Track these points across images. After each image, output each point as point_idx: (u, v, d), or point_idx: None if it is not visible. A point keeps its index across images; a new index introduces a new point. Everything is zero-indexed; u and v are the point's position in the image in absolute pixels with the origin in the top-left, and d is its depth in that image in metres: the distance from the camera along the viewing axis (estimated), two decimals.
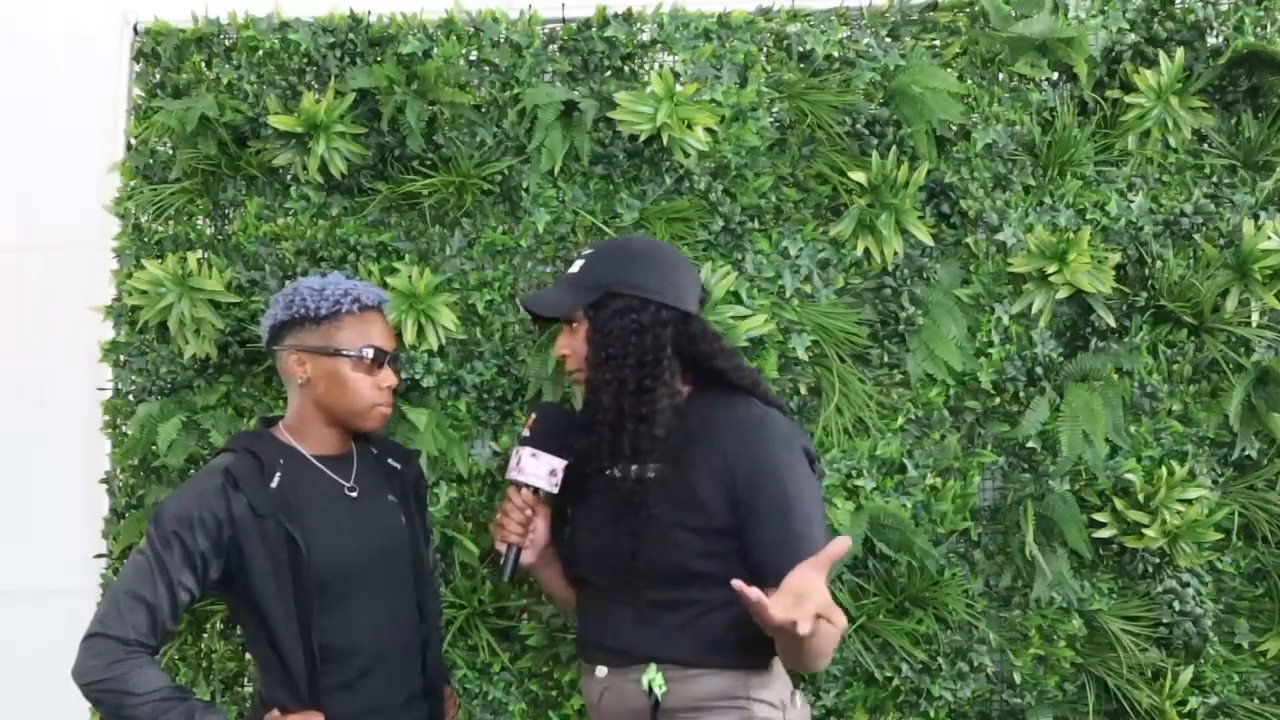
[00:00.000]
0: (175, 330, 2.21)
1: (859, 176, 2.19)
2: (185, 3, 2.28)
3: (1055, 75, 2.26)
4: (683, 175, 2.22)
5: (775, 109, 2.25)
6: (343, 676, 1.68)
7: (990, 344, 2.23)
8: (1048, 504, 2.19)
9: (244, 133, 2.25)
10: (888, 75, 2.22)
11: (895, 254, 2.20)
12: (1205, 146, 2.28)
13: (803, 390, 2.23)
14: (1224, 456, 2.25)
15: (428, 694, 1.80)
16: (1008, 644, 2.21)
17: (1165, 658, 2.22)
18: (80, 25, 2.64)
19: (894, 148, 2.20)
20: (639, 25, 2.24)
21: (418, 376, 2.19)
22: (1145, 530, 2.15)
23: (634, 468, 1.60)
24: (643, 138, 2.17)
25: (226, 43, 2.29)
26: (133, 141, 2.33)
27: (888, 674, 2.19)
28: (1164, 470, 2.18)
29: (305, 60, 2.24)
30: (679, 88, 2.16)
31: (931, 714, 2.20)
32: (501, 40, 2.24)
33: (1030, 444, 2.21)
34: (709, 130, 2.18)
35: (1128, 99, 2.22)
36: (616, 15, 2.23)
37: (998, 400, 2.24)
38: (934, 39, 2.27)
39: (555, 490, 1.71)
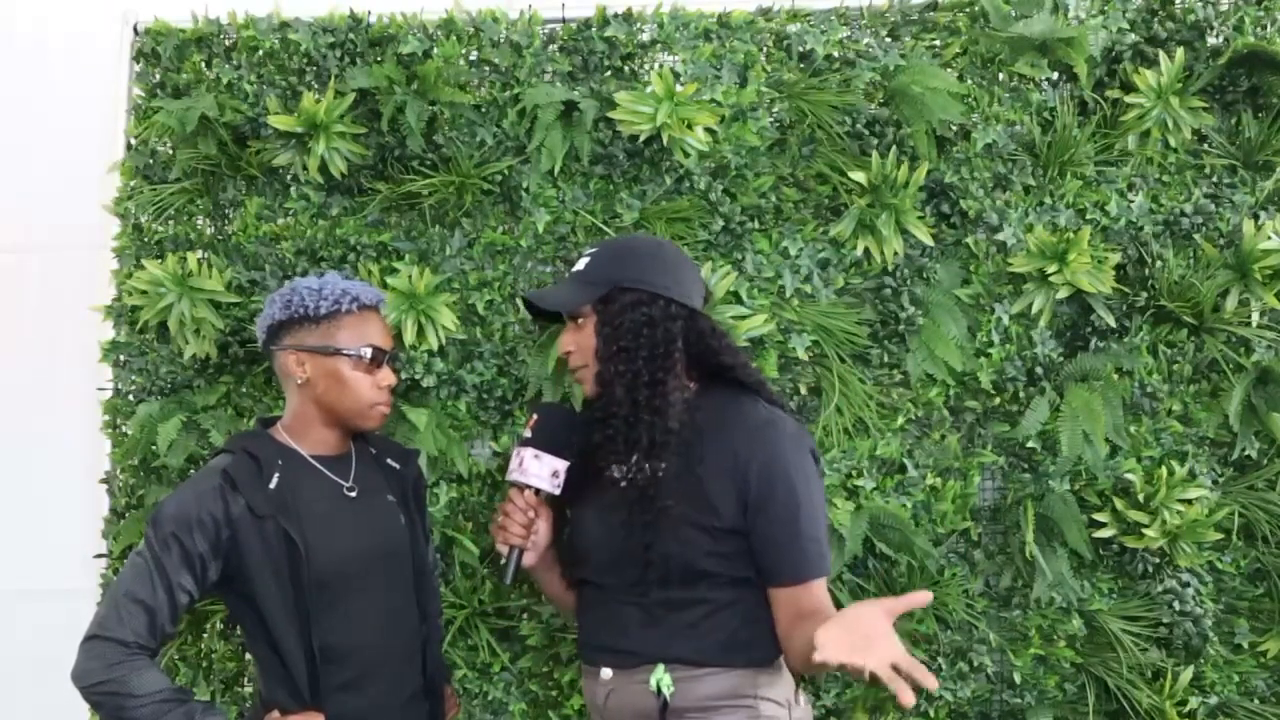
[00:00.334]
0: (175, 330, 2.21)
1: (859, 176, 2.19)
2: (185, 3, 2.28)
3: (1055, 75, 2.26)
4: (683, 175, 2.22)
5: (775, 109, 2.25)
6: (343, 677, 1.68)
7: (990, 344, 2.23)
8: (1048, 504, 2.19)
9: (244, 133, 2.25)
10: (888, 75, 2.22)
11: (895, 254, 2.20)
12: (1205, 146, 2.28)
13: (803, 390, 2.23)
14: (1224, 456, 2.25)
15: (428, 694, 1.80)
16: (1008, 644, 2.21)
17: (1165, 658, 2.22)
18: (80, 25, 2.64)
19: (894, 148, 2.20)
20: (639, 25, 2.24)
21: (418, 376, 2.19)
22: (1145, 530, 2.15)
23: (646, 464, 1.60)
24: (643, 138, 2.17)
25: (226, 43, 2.29)
26: (133, 141, 2.33)
27: None
28: (1164, 470, 2.18)
29: (305, 60, 2.24)
30: (679, 88, 2.16)
31: (931, 714, 2.21)
32: (501, 40, 2.24)
33: (1030, 444, 2.21)
34: (709, 130, 2.18)
35: (1128, 99, 2.22)
36: (616, 15, 2.23)
37: (998, 400, 2.24)
38: (934, 39, 2.27)
39: (558, 492, 1.71)
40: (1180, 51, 2.20)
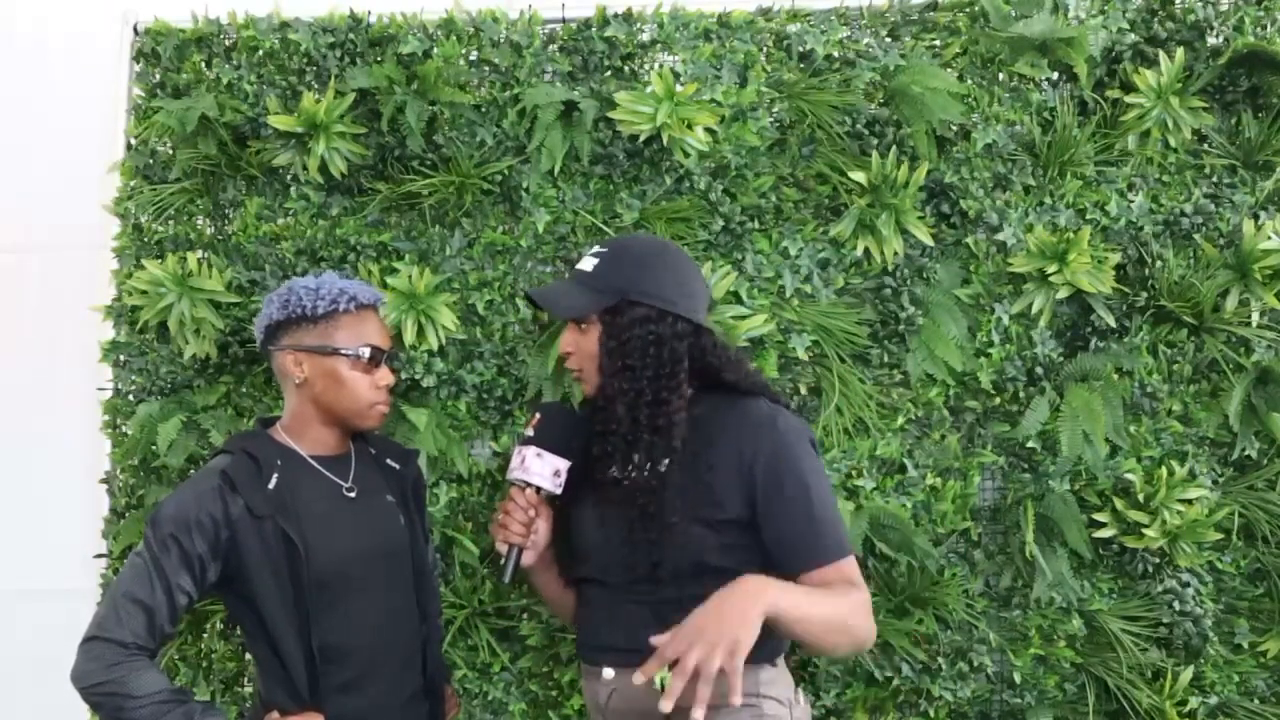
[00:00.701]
0: (175, 330, 2.21)
1: (859, 176, 2.19)
2: (185, 3, 2.28)
3: (1055, 75, 2.26)
4: (683, 175, 2.22)
5: (775, 109, 2.25)
6: (342, 677, 1.68)
7: (990, 344, 2.23)
8: (1048, 504, 2.19)
9: (244, 133, 2.25)
10: (888, 75, 2.22)
11: (895, 254, 2.20)
12: (1205, 146, 2.28)
13: (803, 390, 2.23)
14: (1224, 456, 2.25)
15: (428, 694, 1.80)
16: (1008, 644, 2.21)
17: (1165, 658, 2.22)
18: (80, 25, 2.64)
19: (894, 148, 2.20)
20: (639, 25, 2.24)
21: (418, 376, 2.19)
22: (1145, 530, 2.15)
23: (648, 464, 1.60)
24: (643, 138, 2.17)
25: (226, 43, 2.29)
26: (133, 141, 2.33)
27: (888, 674, 2.19)
28: (1164, 470, 2.18)
29: (305, 60, 2.24)
30: (679, 88, 2.16)
31: (931, 714, 2.21)
32: (501, 40, 2.24)
33: (1030, 444, 2.21)
34: (709, 130, 2.18)
35: (1128, 99, 2.22)
36: (616, 15, 2.23)
37: (998, 400, 2.24)
38: (934, 39, 2.27)
39: (559, 491, 1.71)
40: (1180, 51, 2.20)
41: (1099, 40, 2.23)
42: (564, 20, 2.25)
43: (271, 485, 1.67)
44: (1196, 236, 2.24)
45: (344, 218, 2.25)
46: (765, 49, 2.26)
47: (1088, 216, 2.24)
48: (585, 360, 1.68)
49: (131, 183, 2.31)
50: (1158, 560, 2.21)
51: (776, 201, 2.24)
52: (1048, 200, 2.24)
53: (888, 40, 2.26)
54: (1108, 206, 2.23)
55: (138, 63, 2.33)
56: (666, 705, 1.30)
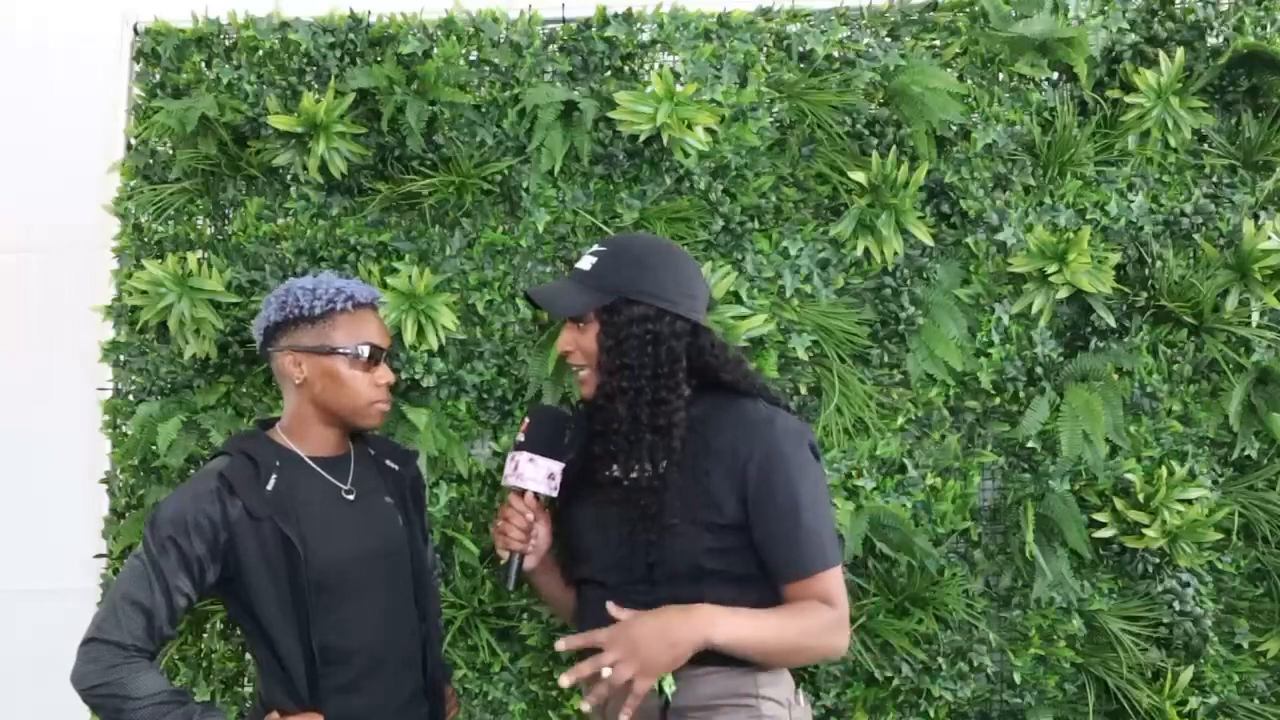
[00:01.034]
0: (175, 330, 2.21)
1: (859, 176, 2.19)
2: (185, 3, 2.28)
3: (1055, 75, 2.26)
4: (683, 175, 2.22)
5: (775, 109, 2.24)
6: (342, 678, 1.68)
7: (990, 344, 2.23)
8: (1048, 504, 2.19)
9: (244, 133, 2.25)
10: (888, 75, 2.22)
11: (895, 254, 2.20)
12: (1205, 146, 2.28)
13: (803, 390, 2.23)
14: (1224, 456, 2.25)
15: (428, 694, 1.80)
16: (1008, 644, 2.21)
17: (1165, 658, 2.22)
18: (80, 25, 2.64)
19: (894, 148, 2.19)
20: (639, 25, 2.24)
21: (418, 376, 2.19)
22: (1145, 530, 2.15)
23: (647, 465, 1.60)
24: (643, 138, 2.17)
25: (226, 43, 2.29)
26: (133, 141, 2.33)
27: (888, 674, 2.19)
28: (1164, 470, 2.18)
29: (305, 60, 2.24)
30: (679, 88, 2.16)
31: (931, 714, 2.21)
32: (501, 40, 2.24)
33: (1030, 444, 2.21)
34: (709, 130, 2.18)
35: (1128, 99, 2.22)
36: (616, 15, 2.23)
37: (998, 400, 2.24)
38: (934, 39, 2.27)
39: (554, 493, 1.71)
40: (1180, 51, 2.20)
41: (1099, 40, 2.23)
42: (564, 20, 2.25)
43: (270, 487, 1.67)
44: (1196, 236, 2.24)
45: (344, 218, 2.26)
46: (765, 49, 2.26)
47: (1088, 216, 2.24)
48: (585, 357, 1.68)
49: (131, 183, 2.31)
50: (1158, 560, 2.21)
51: (776, 201, 2.24)
52: (1048, 200, 2.24)
53: (888, 40, 2.26)
54: (1108, 206, 2.23)
55: (138, 63, 2.33)
56: (585, 705, 1.51)
